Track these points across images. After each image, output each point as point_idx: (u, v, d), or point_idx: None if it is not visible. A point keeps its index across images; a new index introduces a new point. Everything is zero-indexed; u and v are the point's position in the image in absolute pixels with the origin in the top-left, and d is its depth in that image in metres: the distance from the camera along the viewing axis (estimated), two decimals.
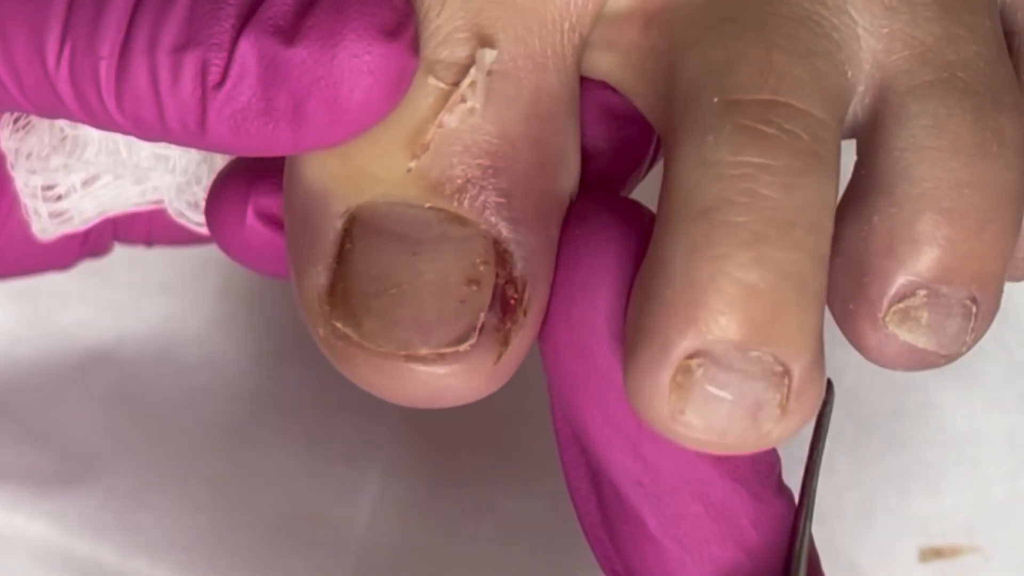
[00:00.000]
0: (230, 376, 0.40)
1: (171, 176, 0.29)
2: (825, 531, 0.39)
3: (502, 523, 0.39)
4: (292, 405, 0.39)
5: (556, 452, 0.39)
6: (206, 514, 0.38)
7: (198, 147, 0.25)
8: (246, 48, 0.24)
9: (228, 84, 0.24)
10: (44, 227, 0.30)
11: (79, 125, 0.28)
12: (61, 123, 0.29)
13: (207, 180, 0.30)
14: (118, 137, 0.29)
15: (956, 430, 0.40)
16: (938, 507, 0.40)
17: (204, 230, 0.30)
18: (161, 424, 0.39)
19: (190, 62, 0.24)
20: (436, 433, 0.39)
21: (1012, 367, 0.41)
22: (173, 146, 0.29)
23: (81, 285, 0.39)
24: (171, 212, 0.30)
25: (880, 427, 0.40)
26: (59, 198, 0.30)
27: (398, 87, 0.24)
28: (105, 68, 0.24)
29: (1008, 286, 0.27)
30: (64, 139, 0.29)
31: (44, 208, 0.30)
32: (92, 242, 0.32)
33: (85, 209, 0.30)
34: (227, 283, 0.40)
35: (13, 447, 0.38)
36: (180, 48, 0.24)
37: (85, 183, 0.30)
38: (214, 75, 0.24)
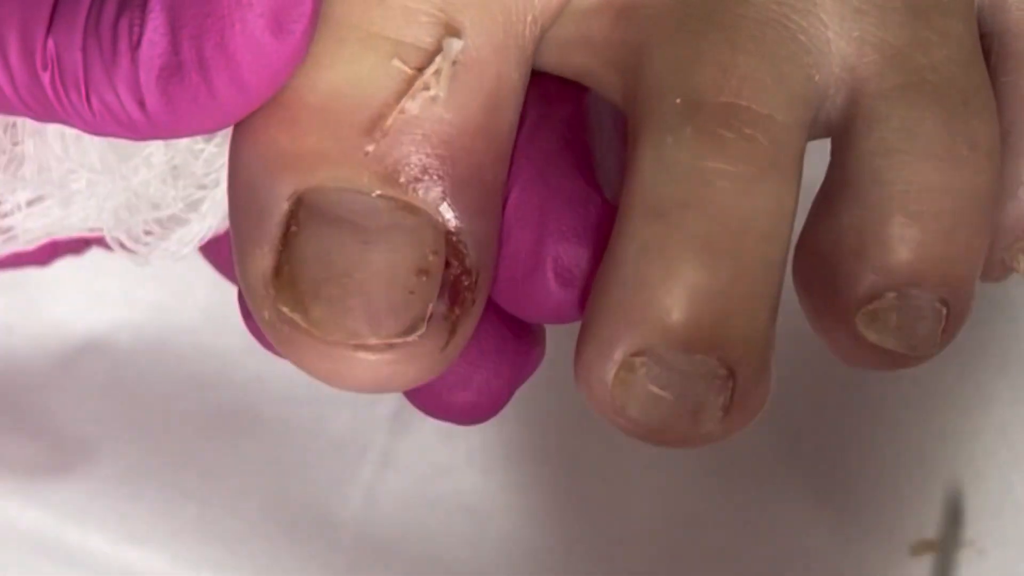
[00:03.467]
0: (223, 365, 0.40)
1: (94, 201, 0.28)
2: (822, 519, 0.39)
3: (497, 514, 0.39)
4: (285, 395, 0.40)
5: (552, 443, 0.39)
6: (198, 503, 0.38)
7: (158, 134, 0.24)
8: (155, 1, 0.23)
9: (144, 41, 0.23)
10: None
11: (20, 140, 0.28)
12: (7, 137, 0.29)
13: (146, 213, 0.29)
14: (51, 156, 0.28)
15: (951, 423, 0.40)
16: (932, 500, 0.40)
17: (140, 263, 0.29)
18: (154, 413, 0.39)
19: (122, 30, 0.23)
20: (429, 424, 0.39)
21: (1007, 360, 0.40)
22: (104, 172, 0.28)
23: (74, 274, 0.39)
24: (109, 241, 0.29)
25: (875, 419, 0.40)
26: (5, 215, 0.29)
27: (284, 19, 0.23)
28: (82, 62, 0.24)
29: (1006, 281, 0.27)
30: (3, 154, 0.28)
31: None
32: (66, 243, 0.31)
33: (30, 229, 0.29)
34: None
35: (6, 436, 0.38)
36: (116, 19, 0.23)
37: (30, 203, 0.29)
38: (135, 35, 0.23)
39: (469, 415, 0.27)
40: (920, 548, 0.39)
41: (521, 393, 0.37)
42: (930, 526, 0.39)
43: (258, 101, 0.24)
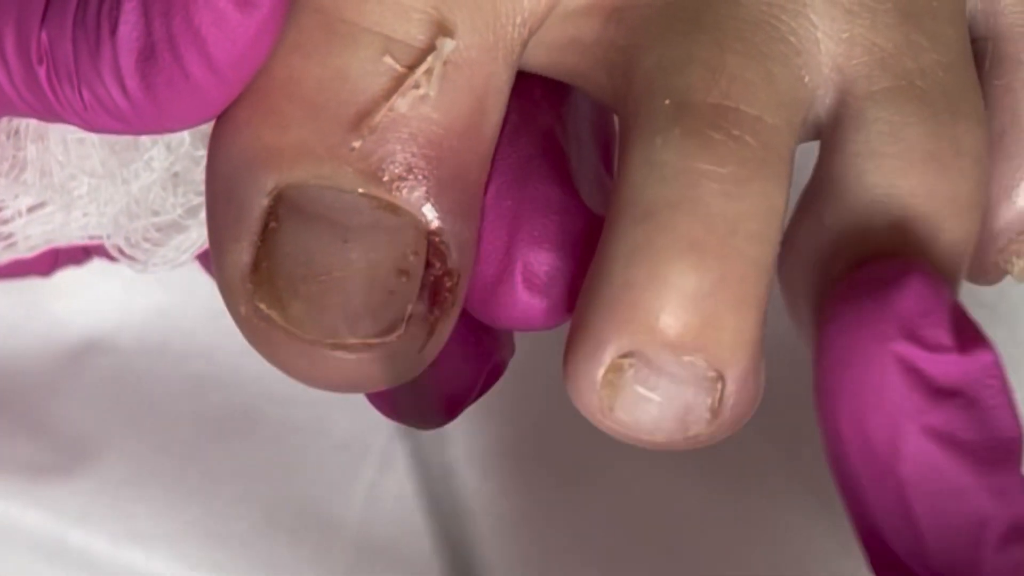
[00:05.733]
0: (224, 366, 0.40)
1: (95, 207, 0.29)
2: (823, 522, 0.39)
3: (496, 516, 0.39)
4: (286, 396, 0.40)
5: (552, 445, 0.39)
6: (200, 504, 0.38)
7: (147, 124, 0.24)
8: None
9: (120, 24, 0.23)
10: None
11: (22, 147, 0.28)
12: (10, 143, 0.29)
13: (145, 219, 0.29)
14: (52, 161, 0.28)
15: None
16: None
17: (139, 269, 0.30)
18: (156, 414, 0.39)
19: (104, 17, 0.23)
20: None
21: (1006, 364, 0.40)
22: (105, 176, 0.28)
23: (77, 275, 0.39)
24: (109, 248, 0.29)
25: None
26: (5, 221, 0.29)
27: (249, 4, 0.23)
28: (72, 53, 0.24)
29: (1002, 283, 0.27)
30: (4, 160, 0.28)
31: None
32: (66, 252, 0.31)
33: (31, 235, 0.29)
34: None
35: (7, 436, 0.38)
36: (99, 6, 0.23)
37: (31, 209, 0.29)
38: (113, 20, 0.23)
39: (423, 420, 0.27)
40: None
41: (521, 393, 0.37)
42: None
43: (235, 85, 0.24)
